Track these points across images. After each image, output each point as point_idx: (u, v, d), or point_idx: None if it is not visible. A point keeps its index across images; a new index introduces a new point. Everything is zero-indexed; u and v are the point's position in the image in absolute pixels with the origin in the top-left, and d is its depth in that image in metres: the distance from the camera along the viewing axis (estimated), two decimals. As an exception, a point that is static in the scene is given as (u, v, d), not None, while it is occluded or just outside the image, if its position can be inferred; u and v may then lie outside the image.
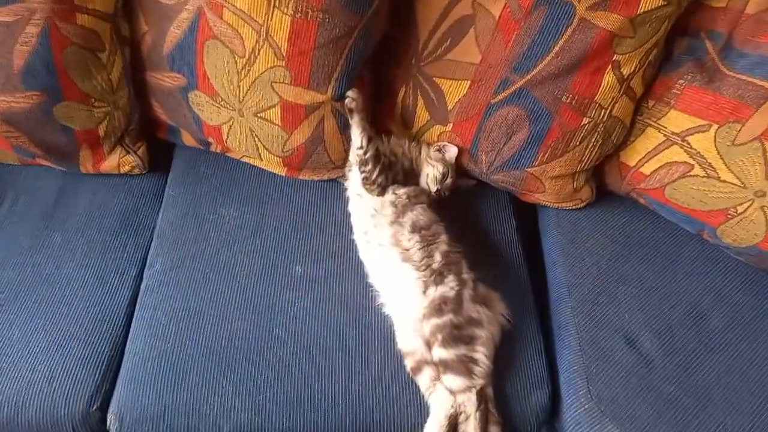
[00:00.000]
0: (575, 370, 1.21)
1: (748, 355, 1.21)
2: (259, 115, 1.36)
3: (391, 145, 1.41)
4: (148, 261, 1.38)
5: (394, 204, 1.34)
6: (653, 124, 1.32)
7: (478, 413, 1.11)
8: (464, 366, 1.14)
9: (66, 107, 1.35)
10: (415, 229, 1.29)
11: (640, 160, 1.35)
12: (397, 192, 1.36)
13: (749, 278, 1.33)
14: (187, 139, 1.55)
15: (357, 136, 1.34)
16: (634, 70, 1.26)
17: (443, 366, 1.15)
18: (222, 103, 1.38)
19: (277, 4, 1.22)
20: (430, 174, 1.40)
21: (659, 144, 1.31)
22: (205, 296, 1.30)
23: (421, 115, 1.43)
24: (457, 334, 1.16)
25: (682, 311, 1.27)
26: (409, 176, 1.41)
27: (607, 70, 1.25)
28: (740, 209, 1.24)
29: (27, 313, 1.26)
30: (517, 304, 1.29)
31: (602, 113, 1.29)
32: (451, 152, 1.41)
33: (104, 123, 1.43)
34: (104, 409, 1.19)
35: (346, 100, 1.32)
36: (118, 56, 1.38)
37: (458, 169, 1.45)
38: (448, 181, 1.41)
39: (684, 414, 1.13)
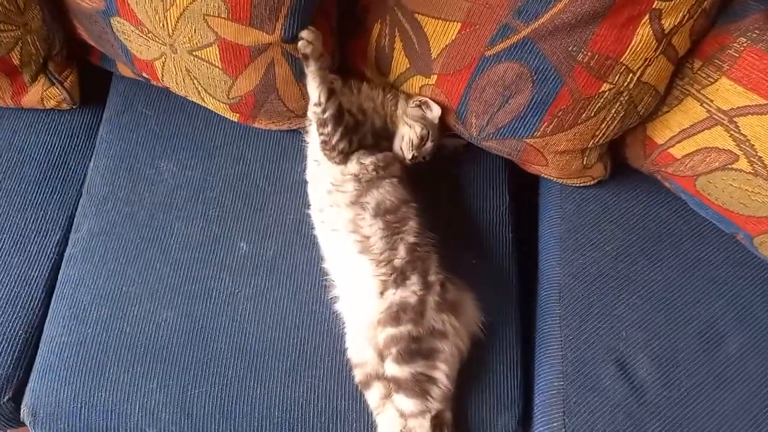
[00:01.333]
0: (553, 395, 1.03)
1: (765, 394, 1.01)
2: (194, 53, 1.09)
3: (360, 99, 1.14)
4: (74, 222, 1.19)
5: (357, 178, 1.09)
6: (695, 93, 1.01)
7: None
8: (420, 386, 0.97)
9: (-39, 33, 1.10)
10: (379, 212, 1.06)
11: (671, 138, 1.05)
12: (363, 161, 1.11)
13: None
14: (123, 69, 1.29)
15: (314, 89, 1.07)
16: (680, 22, 0.94)
17: (395, 384, 0.98)
18: (150, 35, 1.10)
19: None
20: (406, 136, 1.13)
21: (699, 121, 1.01)
22: (133, 274, 1.12)
23: (400, 62, 1.13)
24: (416, 348, 0.98)
25: (693, 331, 1.05)
26: (381, 138, 1.15)
27: (643, 21, 0.93)
28: (790, 221, 0.97)
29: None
30: (495, 305, 1.09)
31: (629, 79, 0.98)
32: (434, 111, 1.13)
33: (16, 49, 1.18)
34: (18, 400, 1.07)
35: (300, 44, 1.03)
36: (19, -32, 1.10)
37: (443, 129, 1.17)
38: (428, 145, 1.14)
39: (671, 467, 0.96)
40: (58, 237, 1.19)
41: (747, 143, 0.96)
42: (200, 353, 1.06)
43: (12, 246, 1.16)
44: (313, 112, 1.09)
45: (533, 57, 1.00)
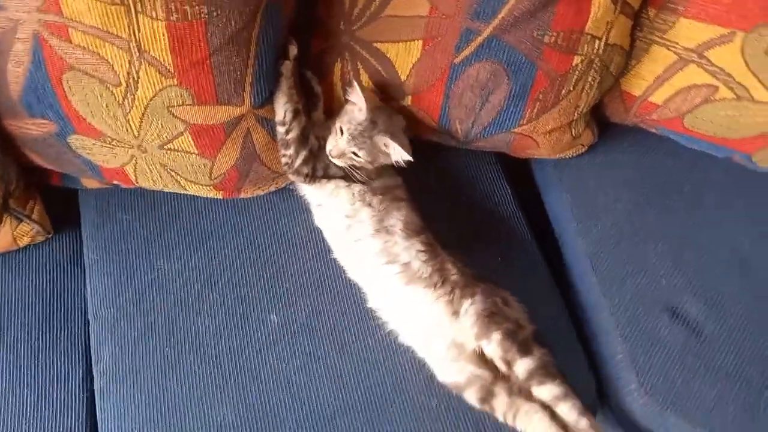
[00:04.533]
0: (619, 360, 1.05)
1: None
2: (166, 147, 1.05)
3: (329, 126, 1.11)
4: (92, 354, 1.13)
5: (365, 202, 1.06)
6: (659, 40, 1.05)
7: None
8: (552, 368, 0.95)
9: None
10: (411, 233, 1.04)
11: (647, 88, 1.09)
12: (354, 190, 1.08)
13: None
14: (89, 182, 1.23)
15: (280, 107, 1.04)
16: (630, -21, 0.97)
17: (538, 377, 0.94)
18: (114, 142, 1.05)
19: (140, 8, 0.87)
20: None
21: (671, 65, 1.05)
22: (174, 385, 1.07)
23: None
24: (523, 338, 0.96)
25: (723, 260, 1.09)
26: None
27: (597, -12, 0.96)
28: (782, 132, 1.02)
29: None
30: (536, 293, 1.10)
31: (596, 45, 1.01)
32: (356, 96, 1.05)
33: (-30, 194, 1.10)
34: None
35: (285, 62, 1.02)
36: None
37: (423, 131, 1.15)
38: (365, 158, 1.06)
39: (749, 389, 1.00)
40: (81, 374, 1.12)
41: (723, 73, 1.00)
42: (276, 434, 1.03)
43: (38, 399, 1.08)
44: (277, 131, 1.06)
45: (502, 52, 1.01)
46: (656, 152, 1.20)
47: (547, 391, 0.94)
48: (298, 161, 1.06)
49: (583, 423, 0.91)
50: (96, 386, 1.10)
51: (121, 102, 0.98)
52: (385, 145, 1.06)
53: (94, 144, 1.06)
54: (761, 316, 1.05)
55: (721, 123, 1.05)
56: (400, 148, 1.04)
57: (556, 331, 1.09)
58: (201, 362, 1.09)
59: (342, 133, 1.06)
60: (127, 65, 0.93)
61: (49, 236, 1.23)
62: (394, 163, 1.09)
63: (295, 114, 1.04)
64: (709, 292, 1.07)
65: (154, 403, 1.06)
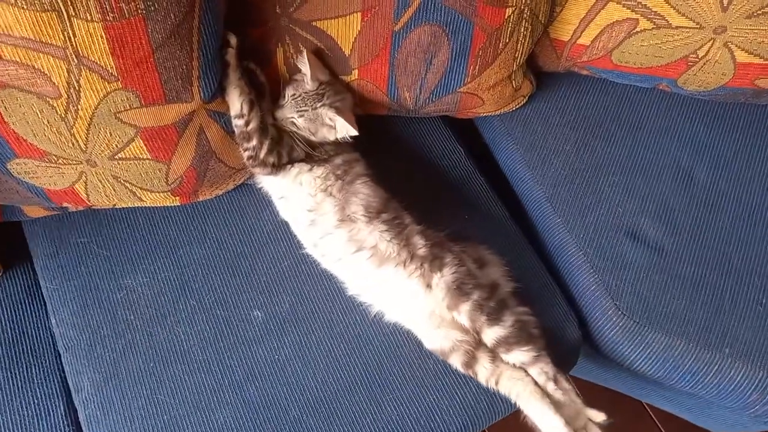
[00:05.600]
0: (594, 290, 1.11)
1: (745, 200, 1.15)
2: (117, 156, 1.01)
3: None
4: (71, 385, 1.07)
5: (326, 192, 1.08)
6: (575, -16, 1.11)
7: (557, 372, 0.98)
8: (523, 332, 0.98)
9: None
10: (372, 215, 1.06)
11: (575, 31, 1.15)
12: (316, 173, 1.08)
13: (713, 113, 1.25)
14: (34, 211, 1.17)
15: (235, 100, 1.03)
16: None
17: (505, 345, 0.98)
18: (61, 160, 1.00)
19: (73, 12, 0.83)
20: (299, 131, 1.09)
21: (592, 6, 1.11)
22: (165, 398, 1.04)
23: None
24: (494, 305, 0.99)
25: (668, 179, 1.17)
26: (312, 147, 1.11)
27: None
28: (701, 53, 1.10)
29: None
30: (507, 244, 1.14)
31: (524, -5, 1.06)
32: (304, 65, 1.06)
33: None
34: None
35: (228, 50, 1.01)
36: None
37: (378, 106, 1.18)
38: (304, 126, 1.08)
39: (714, 291, 1.08)
40: (62, 409, 1.06)
41: (640, 6, 1.07)
42: (282, 427, 1.01)
43: (20, 442, 1.03)
44: (235, 125, 1.05)
45: (439, 13, 1.04)
46: (591, 93, 1.27)
47: (514, 357, 0.98)
48: (263, 151, 1.05)
49: (551, 386, 0.97)
50: (81, 417, 1.05)
51: (63, 115, 0.93)
52: (330, 119, 1.07)
53: (38, 166, 1.01)
54: (710, 223, 1.14)
55: (645, 53, 1.13)
56: (345, 122, 1.05)
57: (533, 278, 1.14)
58: (190, 371, 1.06)
59: (286, 98, 1.07)
60: (66, 74, 0.89)
61: (1, 274, 1.16)
62: (339, 140, 1.10)
63: (251, 104, 1.03)
64: (661, 211, 1.14)
65: (149, 421, 1.03)
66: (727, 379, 1.04)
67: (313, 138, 1.09)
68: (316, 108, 1.06)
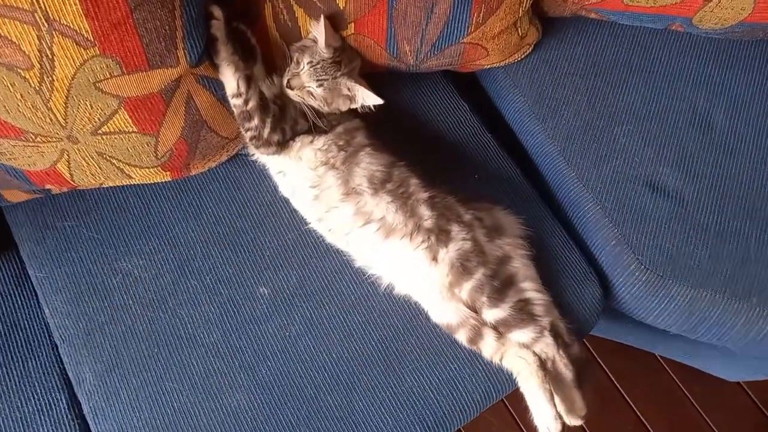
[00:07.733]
0: (614, 245, 1.06)
1: (766, 143, 1.10)
2: (100, 131, 0.93)
3: (279, 85, 1.03)
4: (71, 377, 1.01)
5: (329, 165, 1.01)
6: None
7: (560, 350, 0.95)
8: (524, 313, 0.95)
9: None
10: (376, 186, 0.99)
11: (583, -29, 1.08)
12: (317, 146, 1.02)
13: (727, 53, 1.19)
14: (14, 195, 1.09)
15: (230, 78, 0.96)
16: None
17: (504, 325, 0.96)
18: (39, 138, 0.92)
19: (38, -30, 0.75)
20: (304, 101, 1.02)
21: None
22: (173, 384, 0.98)
23: (309, 28, 1.04)
24: (498, 285, 0.95)
25: (685, 125, 1.12)
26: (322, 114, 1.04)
27: None
28: (721, -13, 1.04)
29: None
30: (521, 202, 1.09)
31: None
32: (320, 32, 0.99)
33: None
34: None
35: (212, 23, 0.93)
36: None
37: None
38: (322, 95, 1.01)
39: (738, 239, 1.04)
40: (65, 402, 1.01)
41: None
42: (299, 406, 0.97)
43: (23, 438, 0.98)
44: (233, 105, 0.98)
45: (439, -43, 0.96)
46: (600, 38, 1.20)
47: (515, 337, 0.96)
48: (267, 130, 0.98)
49: (549, 365, 0.95)
50: (85, 410, 1.00)
51: (38, 88, 0.85)
52: (349, 89, 1.01)
53: (14, 146, 0.93)
54: (731, 170, 1.09)
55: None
56: (368, 92, 1.00)
57: (548, 237, 1.09)
58: (197, 355, 1.01)
59: (302, 65, 0.99)
60: (37, 42, 0.80)
61: (-16, 266, 1.09)
62: (359, 109, 1.04)
63: (248, 80, 0.96)
64: (680, 158, 1.09)
65: (157, 410, 0.98)
66: (755, 330, 1.00)
67: (325, 108, 1.03)
68: (336, 77, 1.00)
